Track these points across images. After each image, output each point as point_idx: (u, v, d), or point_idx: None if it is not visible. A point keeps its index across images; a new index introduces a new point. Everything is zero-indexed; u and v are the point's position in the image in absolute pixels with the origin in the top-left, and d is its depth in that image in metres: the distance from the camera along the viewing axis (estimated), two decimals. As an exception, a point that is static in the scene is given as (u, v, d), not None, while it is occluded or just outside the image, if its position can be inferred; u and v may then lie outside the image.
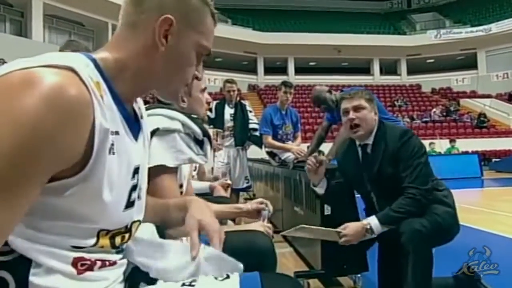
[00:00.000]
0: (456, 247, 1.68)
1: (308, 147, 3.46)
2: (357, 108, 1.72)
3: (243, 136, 3.86)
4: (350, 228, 1.56)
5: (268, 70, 22.37)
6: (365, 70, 23.79)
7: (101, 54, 0.64)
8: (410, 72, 23.44)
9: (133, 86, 0.65)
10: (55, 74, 0.51)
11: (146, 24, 0.63)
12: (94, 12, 15.61)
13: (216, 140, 4.05)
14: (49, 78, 0.50)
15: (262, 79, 22.33)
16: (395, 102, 19.73)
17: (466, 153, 12.01)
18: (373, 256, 1.81)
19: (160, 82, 0.68)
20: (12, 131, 0.46)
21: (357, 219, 1.67)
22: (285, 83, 3.52)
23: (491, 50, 21.78)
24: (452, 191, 1.74)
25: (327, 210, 2.17)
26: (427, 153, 1.69)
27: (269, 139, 3.51)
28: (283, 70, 22.87)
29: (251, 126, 3.86)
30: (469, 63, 22.41)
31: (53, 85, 0.49)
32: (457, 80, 22.82)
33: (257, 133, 3.80)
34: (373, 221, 1.56)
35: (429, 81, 22.68)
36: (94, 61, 0.61)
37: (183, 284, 0.61)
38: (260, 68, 22.57)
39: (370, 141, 1.73)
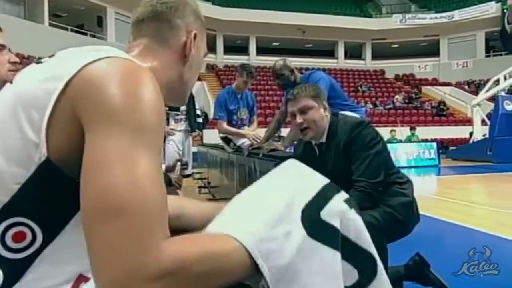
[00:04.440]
0: (410, 236, 1.75)
1: (266, 131, 3.45)
2: (303, 110, 1.70)
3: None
4: None
5: (228, 49, 22.11)
6: (330, 53, 24.21)
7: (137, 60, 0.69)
8: (375, 57, 24.18)
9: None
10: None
11: (176, 39, 0.74)
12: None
13: (168, 124, 3.99)
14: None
15: (221, 58, 22.05)
16: (359, 88, 20.35)
17: (426, 141, 12.67)
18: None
19: (181, 89, 0.78)
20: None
21: None
22: (248, 72, 3.38)
23: (453, 38, 22.95)
24: (410, 179, 1.80)
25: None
26: (382, 143, 1.70)
27: (224, 125, 3.46)
28: (244, 50, 22.70)
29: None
30: (432, 50, 23.49)
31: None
32: (420, 67, 23.89)
33: (200, 120, 4.06)
34: None
35: (393, 67, 23.56)
36: None
37: None
38: (220, 47, 22.24)
39: (323, 139, 1.75)
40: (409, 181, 1.77)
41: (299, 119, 1.71)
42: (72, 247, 0.57)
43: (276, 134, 3.62)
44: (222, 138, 3.76)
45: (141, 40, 0.74)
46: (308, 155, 1.80)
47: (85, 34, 17.45)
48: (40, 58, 0.65)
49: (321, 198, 0.59)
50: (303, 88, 1.74)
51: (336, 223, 0.58)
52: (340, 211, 0.59)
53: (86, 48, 0.62)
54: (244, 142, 3.46)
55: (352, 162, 1.63)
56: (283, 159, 2.33)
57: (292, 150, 2.49)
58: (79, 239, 0.56)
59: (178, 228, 0.80)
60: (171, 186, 2.78)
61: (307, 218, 0.56)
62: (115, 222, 0.46)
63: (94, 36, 17.54)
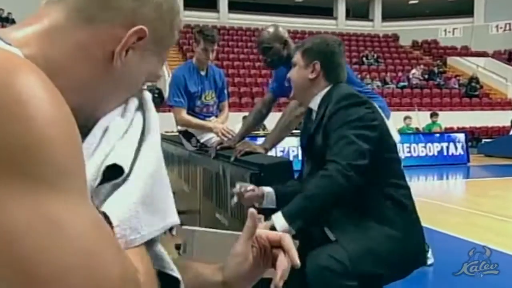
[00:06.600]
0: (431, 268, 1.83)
1: (244, 118, 3.43)
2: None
3: None
4: None
5: (191, 3, 21.85)
6: (327, 11, 24.29)
7: (22, 42, 0.58)
8: (386, 17, 24.43)
9: None
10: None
11: (108, 26, 0.63)
12: None
13: None
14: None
15: (182, 16, 21.71)
16: (364, 59, 20.50)
17: (451, 130, 12.93)
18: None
19: (96, 103, 0.66)
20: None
21: None
22: (205, 35, 3.36)
23: (493, -9, 23.23)
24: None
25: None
26: (375, 130, 1.71)
27: (183, 114, 3.42)
28: (211, 5, 22.51)
29: None
30: (463, 8, 23.80)
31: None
32: (446, 31, 24.27)
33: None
34: (276, 218, 1.56)
35: (409, 31, 23.83)
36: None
37: None
38: (180, 0, 21.96)
39: (313, 106, 1.90)
40: (407, 188, 1.82)
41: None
42: None
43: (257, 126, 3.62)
44: (180, 132, 3.72)
45: (54, 8, 0.62)
46: (307, 121, 2.01)
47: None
48: None
49: None
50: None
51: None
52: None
53: None
54: (210, 138, 3.44)
55: (328, 140, 1.72)
56: (262, 166, 2.32)
57: (277, 154, 2.50)
58: None
59: None
60: None
61: None
62: None
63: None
